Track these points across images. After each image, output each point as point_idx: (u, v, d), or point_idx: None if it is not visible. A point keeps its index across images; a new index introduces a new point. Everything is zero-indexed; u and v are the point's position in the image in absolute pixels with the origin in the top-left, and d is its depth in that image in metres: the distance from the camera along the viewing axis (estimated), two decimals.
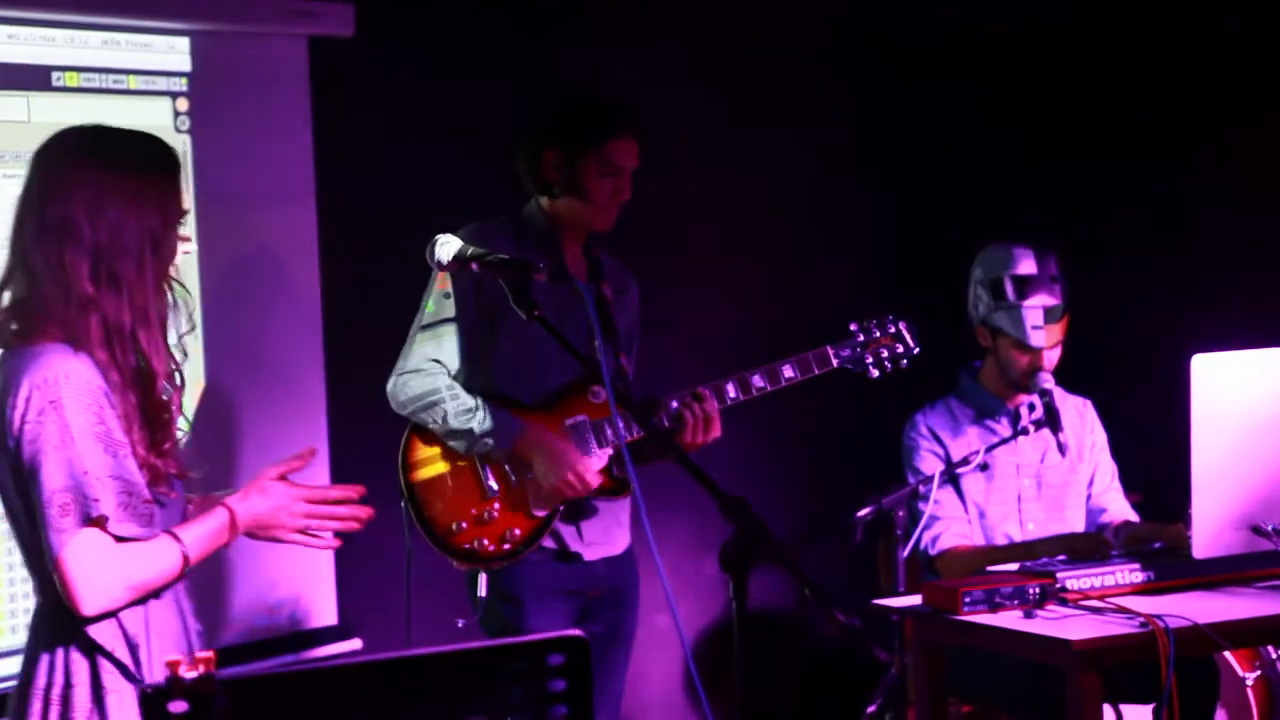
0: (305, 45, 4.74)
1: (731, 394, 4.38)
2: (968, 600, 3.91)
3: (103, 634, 2.99)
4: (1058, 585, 3.96)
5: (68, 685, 3.00)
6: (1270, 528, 4.00)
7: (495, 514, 4.20)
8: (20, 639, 4.19)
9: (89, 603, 2.94)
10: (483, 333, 4.24)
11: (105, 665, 3.01)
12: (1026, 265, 4.86)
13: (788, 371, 4.44)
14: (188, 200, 3.12)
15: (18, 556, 4.06)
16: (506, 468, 4.22)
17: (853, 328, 4.60)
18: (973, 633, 3.92)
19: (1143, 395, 5.23)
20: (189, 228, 3.12)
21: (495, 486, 4.20)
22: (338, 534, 3.25)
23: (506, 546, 4.20)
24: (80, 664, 3.00)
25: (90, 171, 3.01)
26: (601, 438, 4.26)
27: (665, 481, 4.24)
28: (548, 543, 4.28)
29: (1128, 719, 4.69)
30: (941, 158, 6.33)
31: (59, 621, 3.00)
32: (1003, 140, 6.31)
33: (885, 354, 4.60)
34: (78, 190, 2.99)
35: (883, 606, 4.24)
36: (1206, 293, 5.66)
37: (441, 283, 4.19)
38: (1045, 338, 4.81)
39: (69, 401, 2.92)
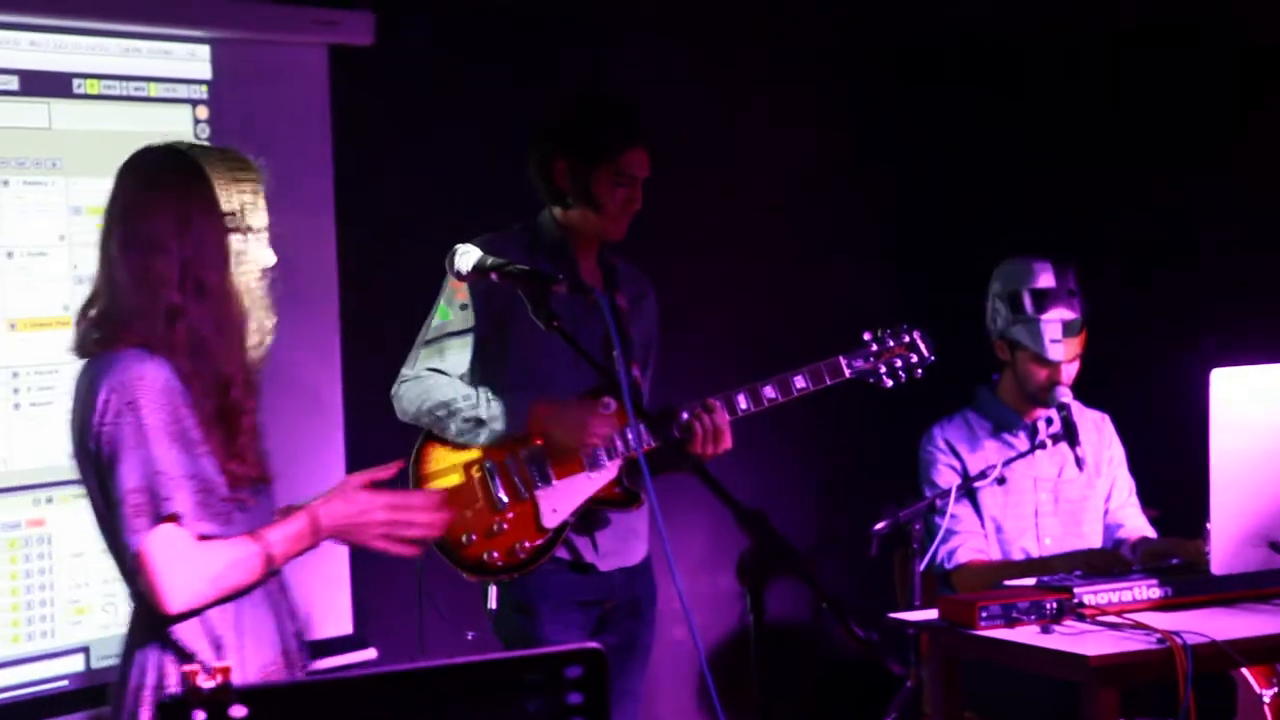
0: (325, 54, 4.75)
1: (743, 405, 4.35)
2: (984, 615, 3.90)
3: (186, 633, 3.04)
4: (1075, 600, 3.95)
5: (158, 685, 3.05)
6: None
7: (505, 526, 4.17)
8: (36, 646, 4.22)
9: (172, 599, 2.99)
10: (494, 344, 4.24)
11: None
12: (1045, 279, 4.86)
13: (799, 382, 4.40)
14: (266, 215, 3.18)
15: (34, 564, 4.10)
16: (516, 480, 4.19)
17: (866, 337, 4.56)
18: (989, 647, 3.91)
19: (1161, 410, 5.22)
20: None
21: (505, 499, 4.18)
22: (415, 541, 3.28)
23: (517, 559, 4.18)
24: (167, 664, 3.05)
25: (176, 186, 3.09)
26: (611, 450, 4.24)
27: (682, 493, 4.25)
28: (561, 553, 4.26)
29: None
30: (956, 168, 6.32)
31: (147, 621, 3.06)
32: (1021, 149, 6.30)
33: (899, 363, 4.56)
34: (165, 204, 3.07)
35: (899, 620, 4.23)
36: (1225, 307, 5.65)
37: (461, 294, 4.19)
38: (1064, 351, 4.80)
39: (145, 403, 2.98)
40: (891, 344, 4.56)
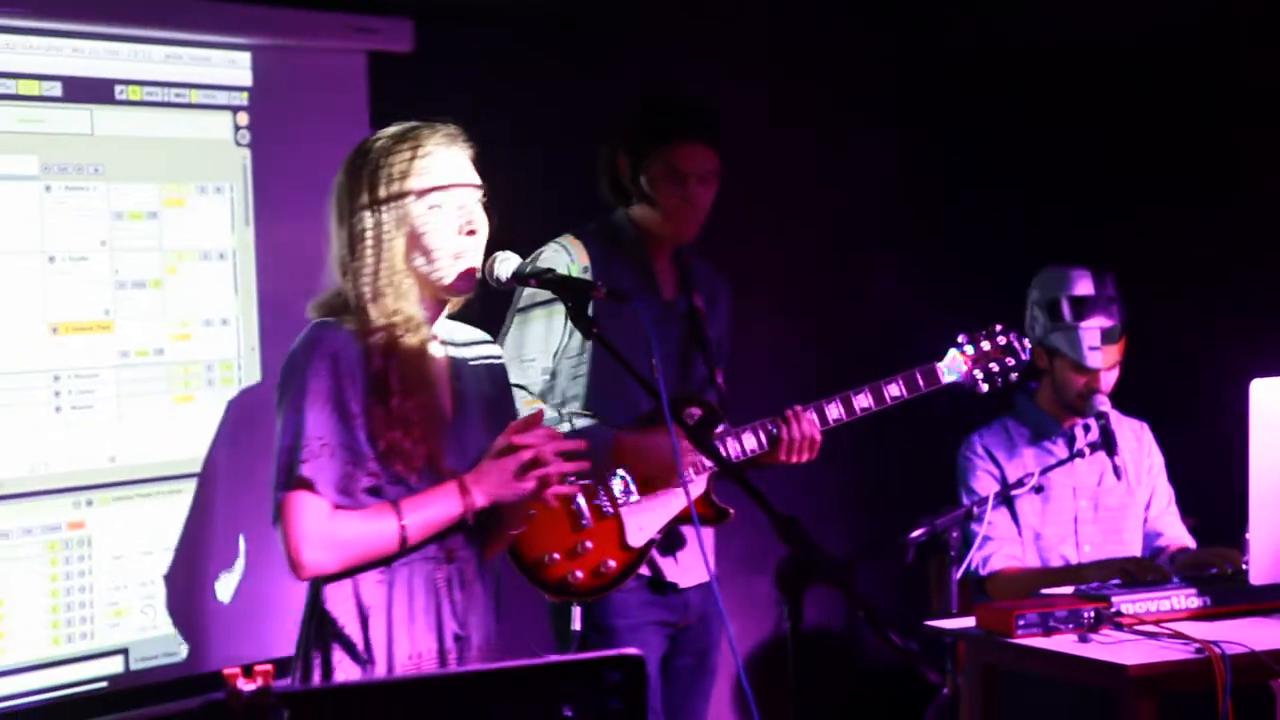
0: (364, 60, 4.76)
1: (834, 415, 4.28)
2: (1021, 623, 3.90)
3: (335, 600, 3.16)
4: (1113, 609, 3.96)
5: (307, 646, 3.19)
6: None
7: (589, 545, 4.09)
8: (76, 647, 4.25)
9: (300, 561, 3.10)
10: (573, 352, 4.21)
11: (336, 646, 3.16)
12: (1084, 286, 4.85)
13: (893, 390, 4.33)
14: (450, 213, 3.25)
15: (74, 566, 4.13)
16: (601, 499, 4.12)
17: (961, 339, 4.48)
18: (1026, 656, 3.91)
19: (1200, 418, 5.21)
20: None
21: (589, 518, 4.10)
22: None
23: (602, 579, 4.10)
24: (314, 629, 3.19)
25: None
26: (699, 465, 4.18)
27: (722, 501, 4.26)
28: (642, 570, 4.18)
29: None
30: (997, 177, 6.32)
31: (310, 596, 3.20)
32: (1063, 159, 6.30)
33: (995, 367, 4.50)
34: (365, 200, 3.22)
35: (935, 628, 4.23)
36: (1267, 316, 5.63)
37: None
38: (1102, 359, 4.80)
39: (313, 369, 3.11)
40: (987, 347, 4.47)
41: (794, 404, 4.27)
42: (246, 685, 2.25)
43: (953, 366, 4.43)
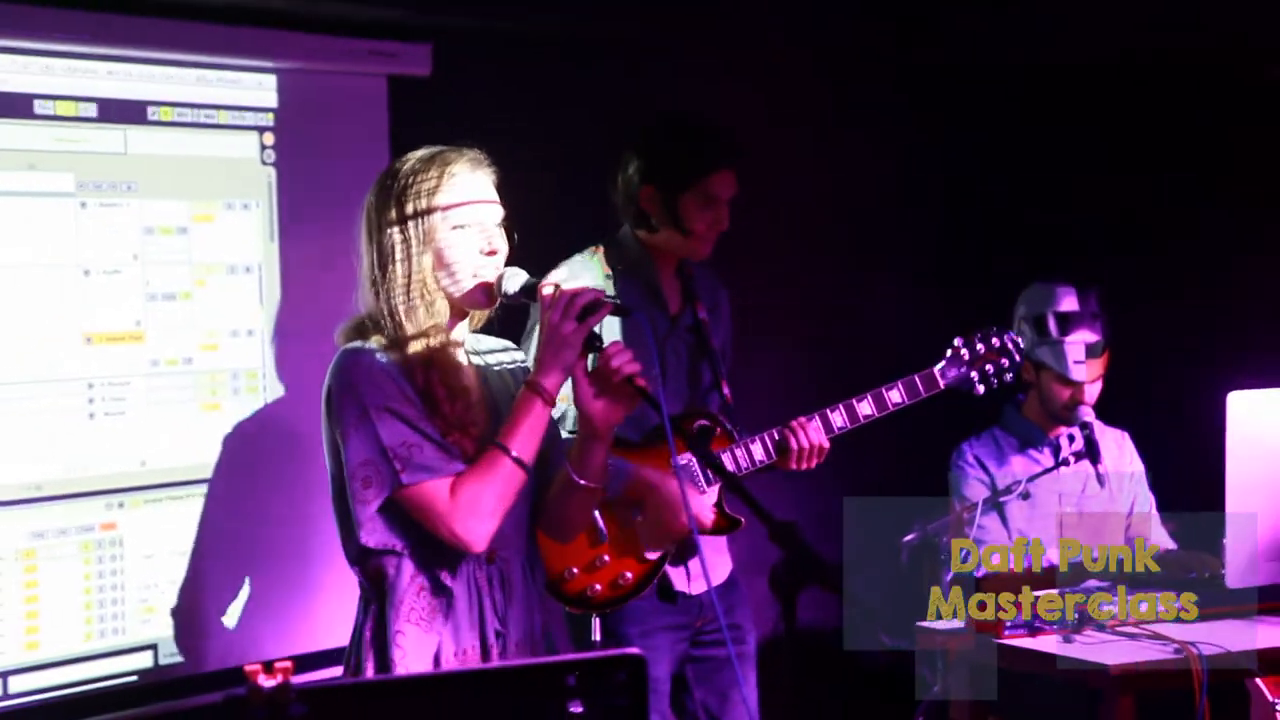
0: (384, 83, 4.77)
1: (839, 423, 4.22)
2: (1009, 624, 3.90)
3: (409, 586, 3.18)
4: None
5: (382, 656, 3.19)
6: None
7: (606, 560, 4.05)
8: (108, 642, 4.25)
9: (462, 539, 3.12)
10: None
11: (405, 621, 3.18)
12: (1069, 302, 4.86)
13: (894, 396, 4.26)
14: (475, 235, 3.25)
15: (106, 565, 4.14)
16: (616, 512, 4.06)
17: (957, 343, 4.41)
18: (1013, 655, 3.91)
19: (1180, 429, 5.20)
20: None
21: (606, 531, 4.04)
22: None
23: (620, 591, 4.06)
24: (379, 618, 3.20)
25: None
26: (708, 477, 4.13)
27: (734, 511, 4.25)
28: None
29: None
30: (986, 196, 6.32)
31: (368, 590, 3.23)
32: (1047, 177, 6.30)
33: (991, 369, 4.41)
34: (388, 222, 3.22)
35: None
36: (1243, 330, 5.63)
37: None
38: (1086, 372, 4.81)
39: (361, 388, 3.13)
40: (982, 349, 4.41)
41: (797, 411, 4.22)
42: (267, 681, 2.25)
43: (950, 370, 4.39)
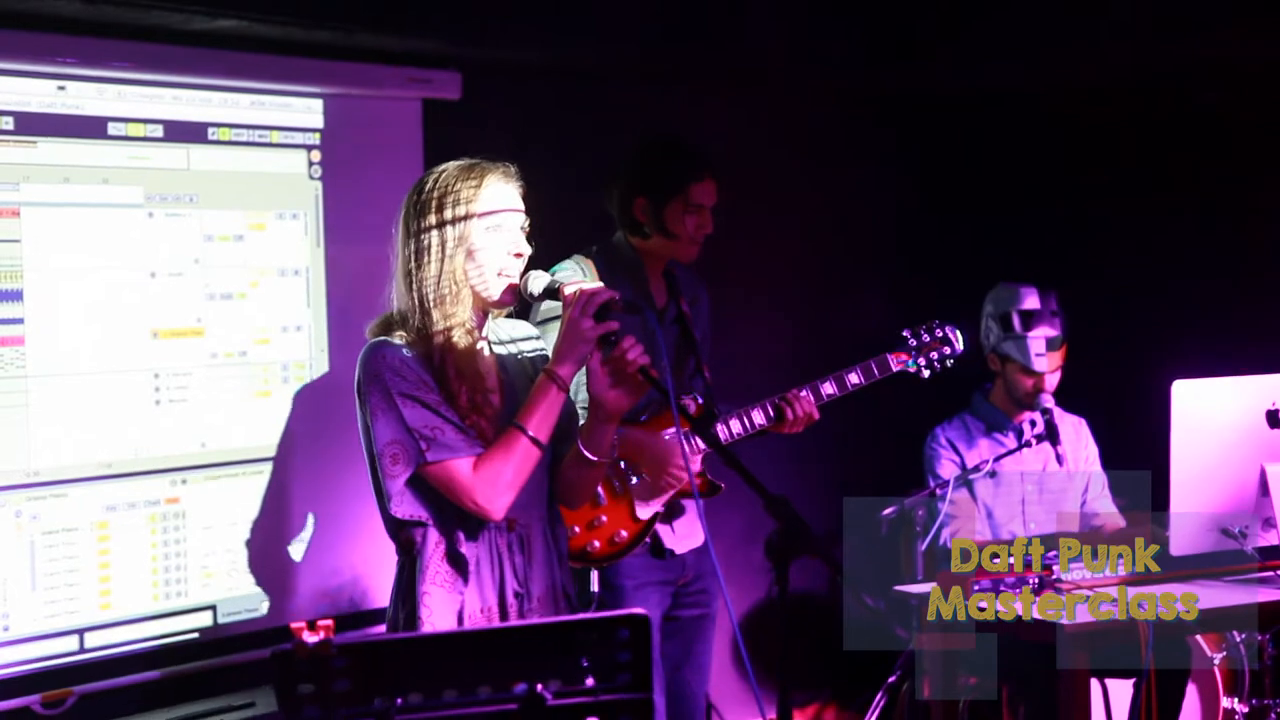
0: (419, 107, 4.76)
1: (807, 397, 4.30)
2: (976, 588, 3.88)
3: (434, 552, 3.18)
4: (1054, 576, 3.93)
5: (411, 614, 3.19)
6: (1237, 530, 3.97)
7: (604, 519, 4.11)
8: (172, 604, 4.25)
9: (483, 509, 3.13)
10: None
11: (430, 584, 3.19)
12: (1031, 301, 4.85)
13: (853, 378, 4.34)
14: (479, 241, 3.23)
15: (171, 535, 4.14)
16: (613, 478, 4.14)
17: (905, 333, 4.48)
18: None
19: (1130, 415, 5.19)
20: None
21: (603, 495, 4.12)
22: None
23: (615, 547, 4.12)
24: (432, 588, 3.19)
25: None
26: (693, 446, 4.17)
27: (715, 477, 4.25)
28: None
29: (1111, 691, 4.66)
30: (959, 207, 6.30)
31: (402, 556, 3.24)
32: (1013, 191, 6.29)
33: (935, 356, 4.48)
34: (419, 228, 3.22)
35: (903, 592, 4.22)
36: (1187, 325, 5.61)
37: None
38: (1047, 363, 4.79)
39: (386, 376, 3.12)
40: (928, 339, 4.48)
41: (776, 390, 4.31)
42: (310, 637, 2.25)
43: (899, 357, 4.44)
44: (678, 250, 4.27)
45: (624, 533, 4.12)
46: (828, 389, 4.33)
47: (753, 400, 4.29)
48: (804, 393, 4.28)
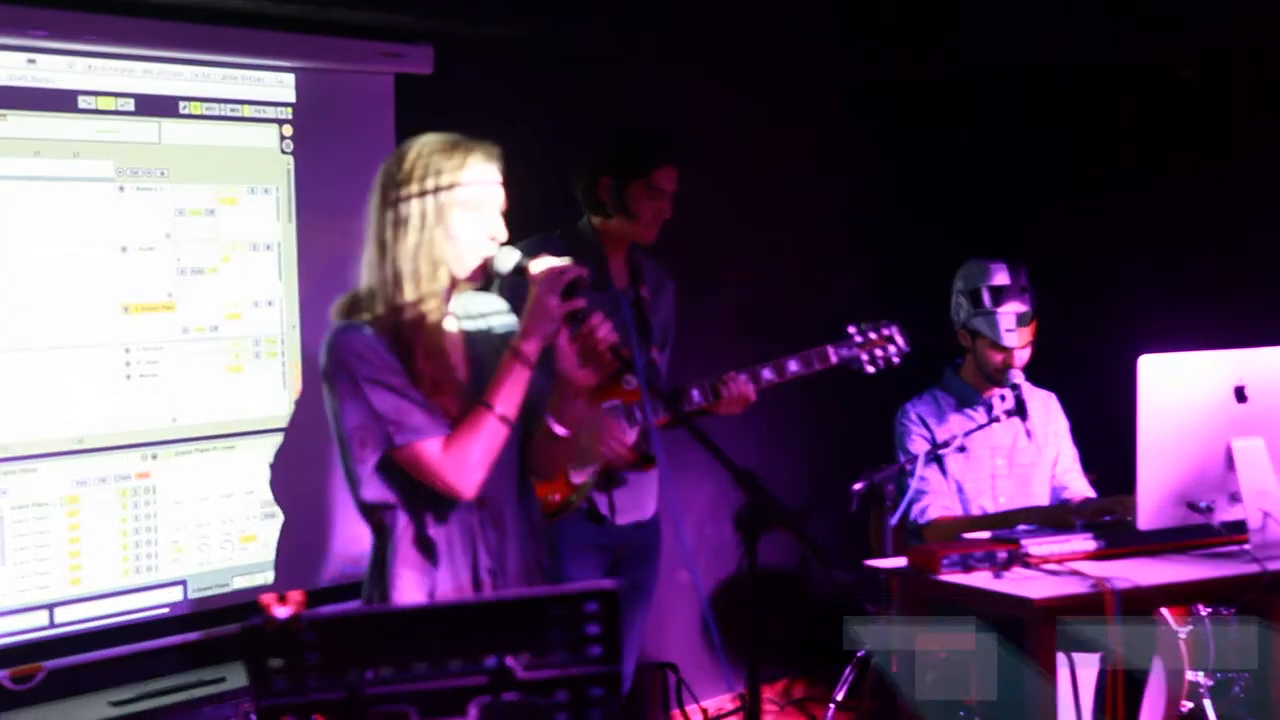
0: (391, 81, 4.75)
1: (741, 380, 4.40)
2: (945, 562, 3.90)
3: (403, 535, 3.18)
4: (1022, 551, 3.95)
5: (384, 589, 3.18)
6: (1203, 504, 3.98)
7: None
8: (142, 578, 4.25)
9: (453, 488, 3.13)
10: None
11: (401, 566, 3.18)
12: (1001, 277, 4.85)
13: (792, 366, 4.47)
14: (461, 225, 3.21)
15: (141, 509, 4.12)
16: None
17: (850, 330, 4.60)
18: (949, 590, 3.91)
19: (1098, 389, 5.21)
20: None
21: None
22: None
23: (547, 508, 4.18)
24: (401, 566, 3.19)
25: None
26: (631, 418, 4.27)
27: (688, 456, 4.26)
28: (582, 504, 4.30)
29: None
30: (927, 185, 6.31)
31: (375, 543, 3.22)
32: (982, 171, 6.30)
33: (879, 353, 4.62)
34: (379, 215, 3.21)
35: (873, 567, 4.23)
36: (1154, 301, 5.64)
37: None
38: (1017, 339, 4.80)
39: (351, 361, 3.11)
40: (873, 336, 4.61)
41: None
42: (280, 611, 2.25)
43: (841, 349, 4.58)
44: (637, 232, 4.36)
45: (556, 496, 4.21)
46: (767, 374, 4.44)
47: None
48: (742, 376, 4.38)
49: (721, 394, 4.35)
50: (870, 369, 4.61)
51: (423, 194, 3.16)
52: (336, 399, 3.14)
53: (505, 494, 3.27)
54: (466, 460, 3.11)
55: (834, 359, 4.55)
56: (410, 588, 3.16)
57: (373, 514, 3.20)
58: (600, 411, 4.22)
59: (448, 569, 3.18)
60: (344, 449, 3.17)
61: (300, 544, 4.53)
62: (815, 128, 6.22)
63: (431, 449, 3.11)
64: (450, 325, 3.27)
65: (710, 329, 5.45)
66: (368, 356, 3.12)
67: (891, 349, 4.63)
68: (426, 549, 3.17)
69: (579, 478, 4.24)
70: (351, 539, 4.53)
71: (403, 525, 3.18)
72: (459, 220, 3.18)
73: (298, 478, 4.52)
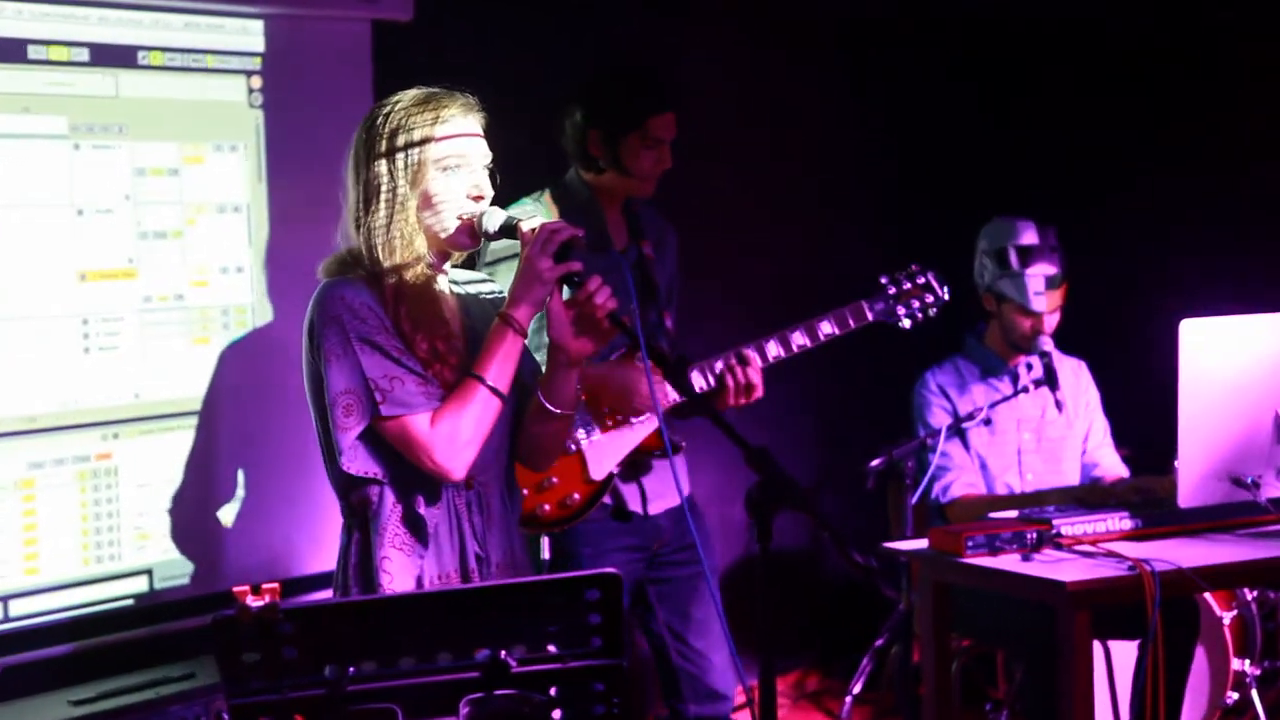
0: (368, 28, 4.73)
1: (774, 352, 4.20)
2: (970, 544, 3.89)
3: (391, 514, 3.14)
4: (1053, 531, 3.94)
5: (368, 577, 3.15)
6: (1249, 479, 3.97)
7: (555, 480, 4.03)
8: (105, 568, 4.24)
9: (442, 469, 3.09)
10: None
11: (389, 547, 3.15)
12: (1029, 236, 4.84)
13: (826, 327, 4.23)
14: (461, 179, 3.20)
15: (102, 493, 4.11)
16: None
17: (883, 280, 4.38)
18: (974, 574, 3.90)
19: (1134, 357, 5.20)
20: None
21: None
22: None
23: (567, 510, 4.05)
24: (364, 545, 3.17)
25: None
26: (663, 393, 4.06)
27: (698, 433, 4.23)
28: (606, 499, 4.12)
29: (1115, 654, 4.68)
30: (950, 138, 6.30)
31: (351, 518, 3.20)
32: (1008, 123, 6.29)
33: (916, 304, 4.38)
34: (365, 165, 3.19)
35: (892, 549, 4.22)
36: (1194, 261, 5.63)
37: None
38: (1046, 303, 4.79)
39: (345, 320, 3.08)
40: (908, 286, 4.38)
41: (747, 339, 4.21)
42: (255, 602, 2.24)
43: (877, 304, 4.35)
44: (634, 186, 4.21)
45: (576, 495, 4.05)
46: (798, 339, 4.22)
47: (720, 351, 4.22)
48: (749, 351, 4.14)
49: (727, 383, 4.09)
50: (907, 323, 4.38)
51: (394, 162, 3.14)
52: (322, 359, 3.10)
53: (492, 477, 3.25)
54: (456, 437, 3.08)
55: (870, 315, 4.32)
56: (400, 573, 3.13)
57: (353, 490, 3.16)
58: (628, 368, 4.04)
59: (434, 554, 3.16)
60: (325, 415, 3.12)
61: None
62: (826, 77, 6.20)
63: (420, 424, 3.08)
64: (445, 294, 3.25)
65: (708, 301, 5.42)
66: (363, 314, 3.09)
67: (929, 298, 4.40)
68: (417, 529, 3.14)
69: (601, 471, 4.07)
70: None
71: (390, 504, 3.14)
72: (437, 184, 3.15)
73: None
